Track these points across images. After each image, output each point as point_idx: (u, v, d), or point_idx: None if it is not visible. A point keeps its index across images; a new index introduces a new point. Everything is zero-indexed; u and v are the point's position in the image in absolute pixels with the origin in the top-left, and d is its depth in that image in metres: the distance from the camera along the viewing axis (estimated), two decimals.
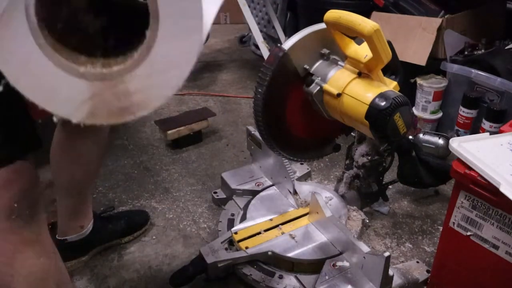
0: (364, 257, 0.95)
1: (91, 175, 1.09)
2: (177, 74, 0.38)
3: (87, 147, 1.01)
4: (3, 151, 0.67)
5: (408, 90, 1.61)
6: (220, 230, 1.16)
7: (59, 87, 0.36)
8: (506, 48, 1.58)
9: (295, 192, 1.21)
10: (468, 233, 0.87)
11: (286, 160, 1.18)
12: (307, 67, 0.93)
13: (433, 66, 1.60)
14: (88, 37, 0.45)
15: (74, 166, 1.02)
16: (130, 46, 0.40)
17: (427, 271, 1.05)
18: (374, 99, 0.83)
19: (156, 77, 0.37)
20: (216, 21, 3.02)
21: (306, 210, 1.15)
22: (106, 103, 0.37)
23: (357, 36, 0.85)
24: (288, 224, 1.12)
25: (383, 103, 0.82)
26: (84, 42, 0.42)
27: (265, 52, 2.07)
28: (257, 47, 2.15)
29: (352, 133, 1.13)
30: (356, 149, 1.16)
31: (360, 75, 0.88)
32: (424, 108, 1.66)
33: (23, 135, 0.68)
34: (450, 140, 0.86)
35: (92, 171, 1.08)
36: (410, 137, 1.25)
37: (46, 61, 0.35)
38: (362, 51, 0.86)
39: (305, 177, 1.46)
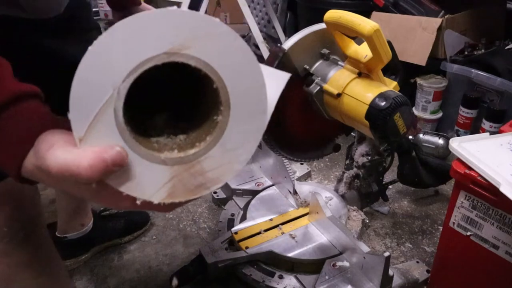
0: (364, 257, 0.95)
1: None
2: (246, 150, 0.43)
3: None
4: None
5: (408, 90, 1.62)
6: (220, 230, 1.16)
7: (143, 175, 0.40)
8: (506, 48, 1.58)
9: (295, 192, 1.21)
10: (468, 233, 0.87)
11: (286, 160, 1.18)
12: (307, 67, 0.93)
13: (433, 66, 1.60)
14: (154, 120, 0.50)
15: None
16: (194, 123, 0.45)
17: (427, 271, 1.05)
18: (374, 99, 0.83)
19: (228, 155, 0.42)
20: None
21: (306, 210, 1.15)
22: (183, 183, 0.41)
23: (357, 36, 0.85)
24: (288, 224, 1.12)
25: (383, 103, 0.82)
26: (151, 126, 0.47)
27: (265, 52, 2.07)
28: (257, 47, 2.15)
29: (352, 133, 1.12)
30: (356, 149, 1.16)
31: (360, 75, 0.88)
32: (424, 108, 1.66)
33: None
34: (450, 140, 0.86)
35: None
36: (410, 137, 1.25)
37: (132, 154, 0.39)
38: (362, 51, 0.86)
39: (305, 177, 1.46)
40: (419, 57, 1.59)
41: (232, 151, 0.42)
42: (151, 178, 0.40)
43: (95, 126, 0.37)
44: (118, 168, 0.38)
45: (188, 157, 0.41)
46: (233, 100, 0.41)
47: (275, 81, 0.48)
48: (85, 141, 0.37)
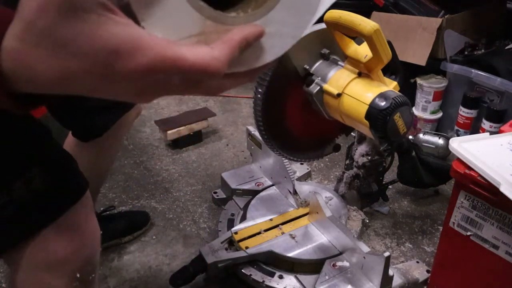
0: (364, 257, 0.95)
1: (99, 182, 1.08)
2: (280, 43, 0.41)
3: (95, 155, 0.98)
4: (46, 203, 0.49)
5: (408, 90, 1.62)
6: (220, 230, 1.16)
7: (176, 15, 0.36)
8: (506, 48, 1.58)
9: (295, 192, 1.21)
10: (468, 233, 0.87)
11: (286, 160, 1.18)
12: (307, 67, 0.93)
13: (433, 66, 1.60)
14: None
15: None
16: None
17: (427, 271, 1.06)
18: (374, 99, 0.83)
19: (263, 38, 0.40)
20: None
21: (306, 210, 1.15)
22: (208, 43, 0.38)
23: (357, 36, 0.85)
24: (288, 224, 1.12)
25: (383, 103, 0.82)
26: None
27: None
28: None
29: (352, 133, 1.12)
30: (356, 149, 1.16)
31: (360, 75, 0.88)
32: (424, 108, 1.66)
33: (65, 171, 0.51)
34: (450, 140, 0.86)
35: (100, 177, 1.07)
36: (410, 137, 1.25)
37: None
38: (362, 51, 0.86)
39: (305, 177, 1.46)
40: (419, 57, 1.58)
41: (268, 37, 0.40)
42: (182, 22, 0.36)
43: None
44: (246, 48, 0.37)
45: (224, 17, 0.38)
46: None
47: None
48: None
